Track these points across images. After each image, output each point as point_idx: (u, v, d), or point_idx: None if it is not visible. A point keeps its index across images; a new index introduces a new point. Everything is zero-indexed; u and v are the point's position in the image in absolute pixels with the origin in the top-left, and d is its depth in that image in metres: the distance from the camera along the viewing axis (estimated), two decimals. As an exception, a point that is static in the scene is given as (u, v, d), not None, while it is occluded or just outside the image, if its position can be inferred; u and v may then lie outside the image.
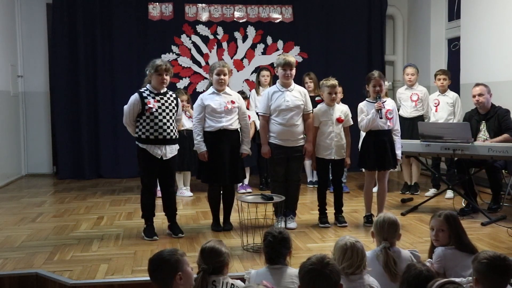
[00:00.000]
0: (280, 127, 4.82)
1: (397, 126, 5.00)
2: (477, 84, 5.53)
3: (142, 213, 4.75)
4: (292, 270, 2.90)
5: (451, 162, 6.17)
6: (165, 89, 4.68)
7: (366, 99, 4.99)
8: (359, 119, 4.95)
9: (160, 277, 2.50)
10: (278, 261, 2.95)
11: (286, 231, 3.12)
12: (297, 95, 4.87)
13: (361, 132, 5.25)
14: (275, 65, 5.06)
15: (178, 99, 4.79)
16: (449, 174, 6.21)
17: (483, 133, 5.49)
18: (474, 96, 5.49)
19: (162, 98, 4.59)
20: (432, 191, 6.33)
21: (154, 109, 4.51)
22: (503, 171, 5.57)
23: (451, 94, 6.23)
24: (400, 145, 5.00)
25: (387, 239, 3.08)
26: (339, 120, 4.95)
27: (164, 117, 4.54)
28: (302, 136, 4.91)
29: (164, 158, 4.57)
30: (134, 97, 4.57)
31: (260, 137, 5.24)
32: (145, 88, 4.62)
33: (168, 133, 4.56)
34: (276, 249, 2.95)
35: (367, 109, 4.90)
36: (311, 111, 4.96)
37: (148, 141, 4.52)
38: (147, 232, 4.66)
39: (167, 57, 7.84)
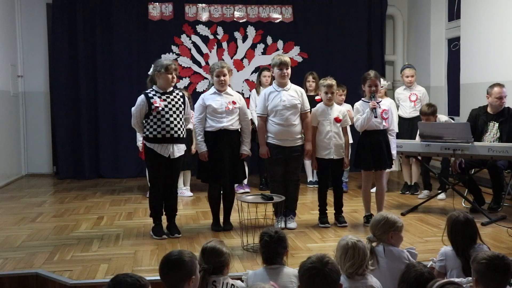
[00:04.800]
0: (278, 127, 4.82)
1: (393, 126, 5.02)
2: (499, 85, 5.42)
3: (150, 212, 4.76)
4: (290, 270, 2.91)
5: (443, 161, 6.16)
6: (171, 88, 4.69)
7: (362, 99, 5.00)
8: (354, 119, 4.96)
9: (175, 279, 2.42)
10: (275, 261, 2.95)
11: (282, 230, 3.13)
12: (293, 94, 4.87)
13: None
14: (271, 65, 5.06)
15: (186, 97, 4.79)
16: (444, 174, 6.18)
17: (493, 134, 5.47)
18: (501, 98, 5.38)
19: (168, 97, 4.59)
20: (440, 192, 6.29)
21: (160, 108, 4.51)
22: (505, 171, 5.55)
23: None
24: (395, 145, 5.02)
25: (375, 235, 3.15)
26: (337, 120, 4.95)
27: (171, 116, 4.54)
28: (300, 135, 4.91)
29: (172, 157, 4.58)
30: (140, 98, 4.59)
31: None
32: (151, 89, 4.63)
33: (176, 131, 4.55)
34: (273, 249, 2.95)
35: (362, 108, 4.91)
36: (309, 110, 4.96)
37: (156, 140, 4.53)
38: (156, 231, 4.67)
39: (167, 57, 7.83)
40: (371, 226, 3.21)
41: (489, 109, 5.54)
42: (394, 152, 4.98)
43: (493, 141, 5.41)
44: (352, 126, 5.22)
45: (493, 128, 5.49)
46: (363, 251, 2.76)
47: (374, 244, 3.12)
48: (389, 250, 3.12)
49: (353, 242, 2.77)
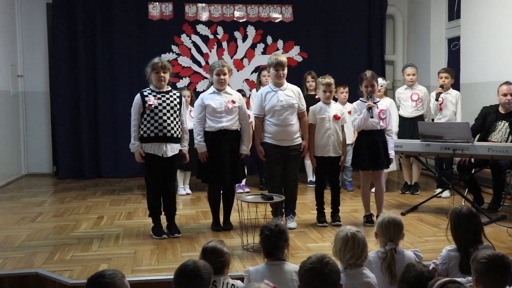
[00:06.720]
0: (276, 128, 4.81)
1: (390, 126, 5.01)
2: (508, 83, 5.45)
3: (149, 212, 4.76)
4: (291, 266, 2.90)
5: (450, 161, 6.17)
6: (169, 88, 4.69)
7: (360, 98, 5.01)
8: (352, 119, 4.97)
9: None
10: (276, 254, 2.95)
11: (282, 224, 3.12)
12: (290, 94, 4.86)
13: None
14: (267, 65, 5.05)
15: (183, 98, 4.77)
16: (447, 174, 6.20)
17: (502, 133, 5.45)
18: (506, 95, 5.42)
19: (163, 96, 4.59)
20: (441, 191, 6.30)
21: (153, 106, 4.51)
22: (507, 171, 5.55)
23: (453, 93, 6.22)
24: (393, 145, 5.02)
25: (393, 240, 3.06)
26: (336, 117, 4.96)
27: (165, 114, 4.54)
28: (297, 134, 4.91)
29: (165, 156, 4.58)
30: (136, 97, 4.62)
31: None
32: (148, 88, 4.64)
33: (169, 131, 4.55)
34: (273, 242, 2.94)
35: (360, 108, 4.91)
36: (305, 109, 4.95)
37: (149, 139, 4.53)
38: (156, 230, 4.67)
39: (167, 56, 7.84)
40: (385, 232, 3.08)
41: (500, 108, 5.54)
42: (391, 152, 4.98)
43: (501, 141, 5.40)
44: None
45: (503, 127, 5.48)
46: (362, 242, 2.76)
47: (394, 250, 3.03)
48: (402, 253, 3.09)
49: (352, 233, 2.77)
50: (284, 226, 3.07)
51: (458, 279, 2.70)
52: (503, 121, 5.48)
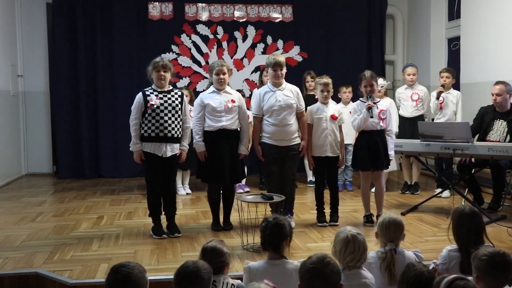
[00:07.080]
0: (274, 128, 4.80)
1: (390, 127, 5.01)
2: (498, 83, 5.46)
3: (149, 212, 4.76)
4: (293, 265, 2.88)
5: (450, 161, 6.17)
6: (170, 87, 4.68)
7: (360, 99, 5.01)
8: (351, 119, 4.97)
9: None
10: (274, 248, 2.94)
11: (284, 218, 3.09)
12: (288, 94, 4.85)
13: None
14: (265, 65, 5.04)
15: (184, 97, 4.77)
16: (447, 173, 6.21)
17: (500, 132, 5.45)
18: (492, 95, 5.44)
19: (165, 96, 4.59)
20: (441, 191, 6.30)
21: (155, 106, 4.51)
22: (507, 171, 5.55)
23: (454, 93, 6.22)
24: (392, 145, 5.02)
25: (393, 241, 3.05)
26: (333, 117, 4.96)
27: (166, 115, 4.54)
28: (296, 134, 4.90)
29: (164, 156, 4.58)
30: (138, 95, 4.61)
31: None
32: (149, 87, 4.64)
33: (170, 131, 4.55)
34: (270, 236, 2.94)
35: (360, 108, 4.91)
36: (304, 109, 4.95)
37: (149, 138, 4.53)
38: (156, 230, 4.67)
39: (167, 56, 7.82)
40: (385, 232, 3.06)
41: (496, 108, 5.54)
42: (391, 152, 4.97)
43: (500, 139, 5.40)
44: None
45: (500, 126, 5.48)
46: (363, 245, 2.75)
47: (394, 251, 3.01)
48: (402, 253, 3.08)
49: (353, 235, 2.75)
50: (284, 221, 3.05)
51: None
52: (501, 120, 5.49)
